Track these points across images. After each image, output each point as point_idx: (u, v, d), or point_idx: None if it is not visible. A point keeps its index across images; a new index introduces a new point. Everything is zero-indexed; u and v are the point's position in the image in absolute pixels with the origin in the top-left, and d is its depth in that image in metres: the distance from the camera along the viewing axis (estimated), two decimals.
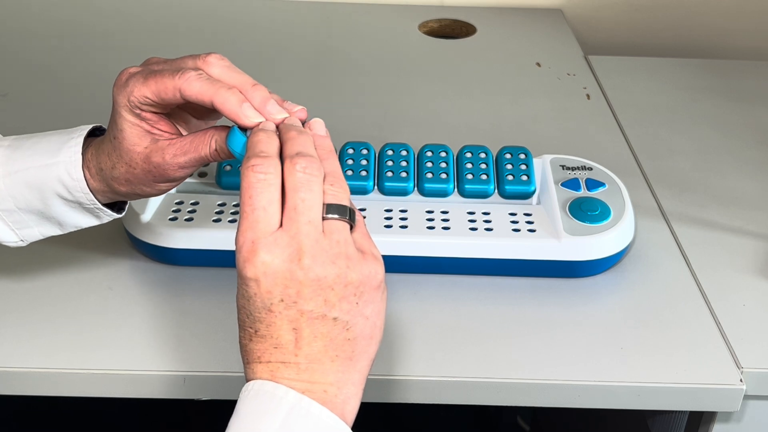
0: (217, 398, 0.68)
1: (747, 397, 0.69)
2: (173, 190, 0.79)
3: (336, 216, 0.49)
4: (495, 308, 0.74)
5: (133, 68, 0.59)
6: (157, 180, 0.60)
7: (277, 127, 0.54)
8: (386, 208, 0.78)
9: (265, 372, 0.49)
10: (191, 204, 0.77)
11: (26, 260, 0.77)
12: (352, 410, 0.50)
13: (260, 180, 0.48)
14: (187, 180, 0.79)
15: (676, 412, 0.78)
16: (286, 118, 0.55)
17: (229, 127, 0.57)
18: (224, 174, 0.78)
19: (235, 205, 0.77)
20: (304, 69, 1.13)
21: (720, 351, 0.71)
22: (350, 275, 0.49)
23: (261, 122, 0.54)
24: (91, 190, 0.62)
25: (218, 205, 0.77)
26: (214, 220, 0.75)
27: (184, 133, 0.61)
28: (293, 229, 0.48)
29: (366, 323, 0.50)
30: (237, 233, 0.49)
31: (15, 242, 0.65)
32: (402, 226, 0.75)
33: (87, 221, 0.65)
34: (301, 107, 0.56)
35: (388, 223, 0.76)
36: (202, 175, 0.80)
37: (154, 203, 0.76)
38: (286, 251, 0.48)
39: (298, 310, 0.48)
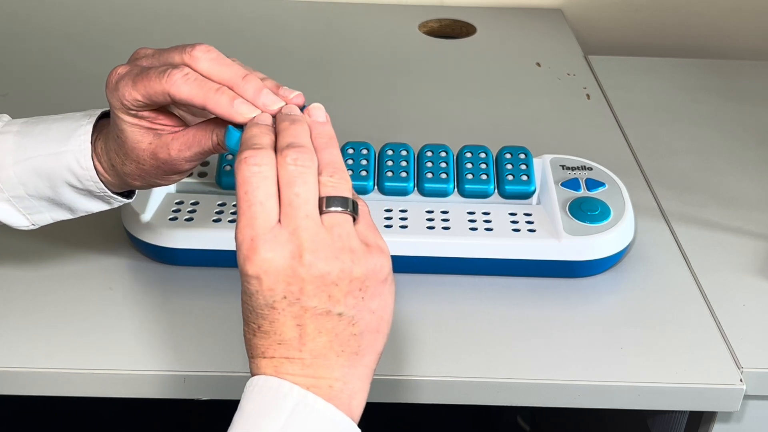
0: (217, 398, 0.68)
1: (747, 397, 0.69)
2: (173, 190, 0.79)
3: (338, 209, 0.48)
4: (495, 308, 0.74)
5: (121, 68, 0.57)
6: (168, 173, 0.60)
7: (275, 117, 0.53)
8: (386, 207, 0.78)
9: (269, 367, 0.48)
10: (191, 204, 0.77)
11: (26, 260, 0.77)
12: (359, 405, 0.50)
13: (254, 173, 0.47)
14: (187, 180, 0.79)
15: (676, 412, 0.78)
16: (282, 107, 0.53)
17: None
18: (224, 174, 0.78)
19: (235, 205, 0.77)
20: (304, 69, 1.13)
21: (720, 351, 0.71)
22: (355, 270, 0.48)
23: (256, 116, 0.53)
24: (101, 180, 0.62)
25: (218, 205, 0.77)
26: (214, 220, 0.75)
27: (188, 120, 0.60)
28: (292, 225, 0.47)
29: (372, 317, 0.49)
30: (236, 230, 0.48)
31: (26, 226, 0.65)
32: (402, 226, 0.75)
33: (98, 206, 0.65)
34: (297, 93, 0.54)
35: (388, 223, 0.76)
36: (202, 175, 0.80)
37: (154, 203, 0.76)
38: (286, 248, 0.47)
39: (302, 307, 0.47)
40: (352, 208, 0.49)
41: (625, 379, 0.68)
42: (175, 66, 0.54)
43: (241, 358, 0.68)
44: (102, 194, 0.63)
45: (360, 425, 0.50)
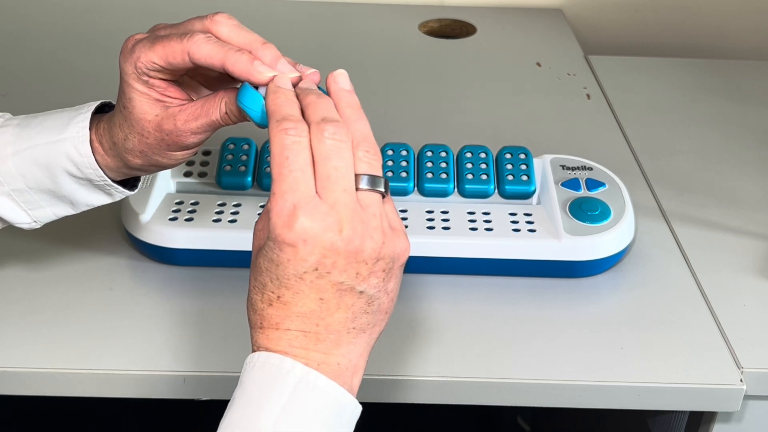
0: (217, 398, 0.68)
1: (747, 397, 0.69)
2: (173, 190, 0.79)
3: (373, 187, 0.48)
4: (495, 308, 0.74)
5: (139, 35, 0.57)
6: (171, 148, 0.59)
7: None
8: None
9: (282, 340, 0.48)
10: (191, 204, 0.77)
11: (26, 260, 0.77)
12: (358, 383, 0.50)
13: (294, 142, 0.47)
14: (187, 180, 0.79)
15: (676, 412, 0.78)
16: (298, 77, 0.53)
17: (237, 88, 0.56)
18: (224, 174, 0.78)
19: (235, 205, 0.77)
20: None
21: (720, 351, 0.71)
22: (384, 250, 0.48)
23: (275, 77, 0.52)
24: (101, 167, 0.61)
25: (218, 205, 0.77)
26: (214, 220, 0.75)
27: (195, 98, 0.60)
28: (331, 198, 0.46)
29: (386, 299, 0.49)
30: (274, 197, 0.47)
31: (28, 224, 0.64)
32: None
33: (99, 199, 0.64)
34: (313, 70, 0.54)
35: None
36: (202, 175, 0.80)
37: (153, 203, 0.76)
38: (327, 220, 0.46)
39: (330, 281, 0.47)
40: (383, 187, 0.49)
41: (625, 379, 0.68)
42: (196, 31, 0.55)
43: (241, 358, 0.68)
44: (102, 183, 0.62)
45: (359, 425, 0.50)
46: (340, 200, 0.47)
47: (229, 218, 0.76)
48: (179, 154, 0.60)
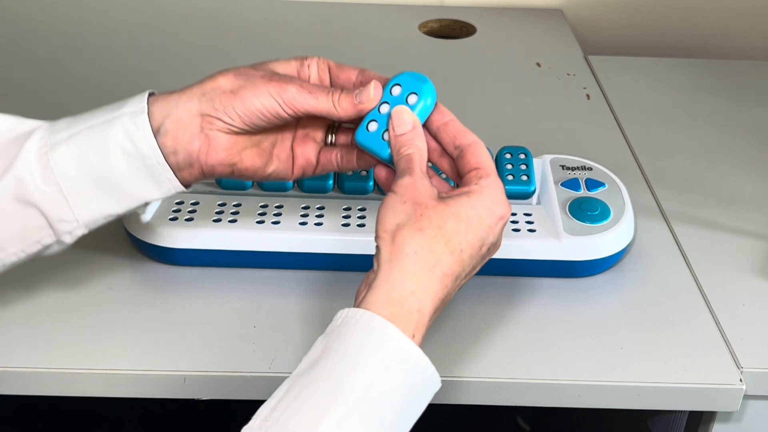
0: (217, 398, 0.68)
1: (747, 397, 0.69)
2: None
3: None
4: (495, 308, 0.74)
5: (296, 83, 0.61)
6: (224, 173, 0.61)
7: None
8: None
9: (398, 315, 0.50)
10: (191, 204, 0.77)
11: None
12: None
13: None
14: None
15: (676, 412, 0.78)
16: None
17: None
18: None
19: (235, 205, 0.77)
20: None
21: (720, 351, 0.71)
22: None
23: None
24: (159, 146, 0.58)
25: (218, 205, 0.77)
26: (214, 220, 0.75)
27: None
28: None
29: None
30: (505, 206, 0.56)
31: (70, 223, 0.60)
32: None
33: (147, 190, 0.60)
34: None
35: None
36: None
37: (154, 203, 0.76)
38: None
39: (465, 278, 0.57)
40: None
41: (625, 379, 0.68)
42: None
43: (241, 359, 0.68)
44: (154, 163, 0.58)
45: None
46: None
47: (229, 218, 0.76)
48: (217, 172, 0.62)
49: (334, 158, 0.62)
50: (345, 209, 0.77)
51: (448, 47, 1.23)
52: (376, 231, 0.54)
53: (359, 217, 0.76)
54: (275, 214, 0.76)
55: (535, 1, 1.34)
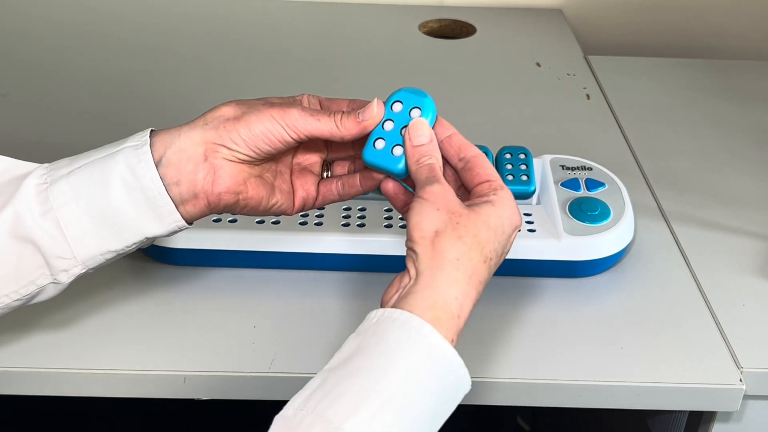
0: (217, 398, 0.68)
1: (747, 397, 0.69)
2: None
3: None
4: (495, 308, 0.74)
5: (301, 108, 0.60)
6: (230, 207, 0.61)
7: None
8: (386, 207, 0.78)
9: (441, 319, 0.52)
10: None
11: None
12: None
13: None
14: None
15: (676, 412, 0.78)
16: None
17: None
18: None
19: None
20: (304, 69, 1.13)
21: (720, 351, 0.71)
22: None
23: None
24: (161, 176, 0.57)
25: None
26: (214, 220, 0.75)
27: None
28: None
29: None
30: (519, 216, 0.58)
31: (68, 261, 0.58)
32: (402, 226, 0.76)
33: (149, 225, 0.58)
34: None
35: (388, 222, 0.76)
36: None
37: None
38: None
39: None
40: None
41: (625, 379, 0.68)
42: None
43: (240, 359, 0.68)
44: (155, 195, 0.57)
45: None
46: None
47: (229, 218, 0.76)
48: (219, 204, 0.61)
49: (335, 187, 0.63)
50: (345, 209, 0.77)
51: (448, 47, 1.23)
52: (411, 236, 0.55)
53: (359, 218, 0.76)
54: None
55: (535, 1, 1.34)
